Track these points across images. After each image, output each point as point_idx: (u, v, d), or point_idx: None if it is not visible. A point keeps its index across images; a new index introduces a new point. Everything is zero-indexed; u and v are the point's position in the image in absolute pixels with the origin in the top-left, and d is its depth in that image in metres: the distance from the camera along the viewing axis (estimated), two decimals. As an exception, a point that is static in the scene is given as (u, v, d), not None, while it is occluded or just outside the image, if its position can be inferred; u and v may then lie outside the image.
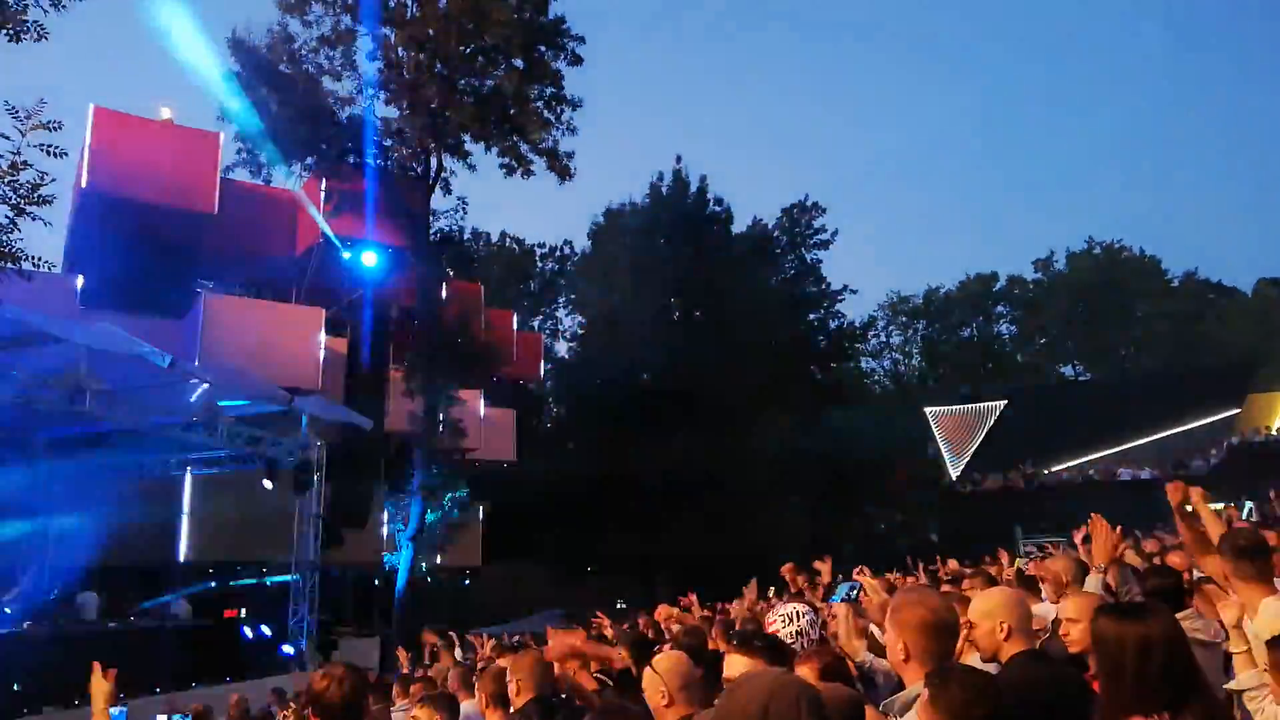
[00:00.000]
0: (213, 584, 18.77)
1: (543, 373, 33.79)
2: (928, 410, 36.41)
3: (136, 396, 14.31)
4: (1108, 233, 64.11)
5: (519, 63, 22.97)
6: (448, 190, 23.35)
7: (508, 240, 48.63)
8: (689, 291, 38.19)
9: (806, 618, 4.00)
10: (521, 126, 23.26)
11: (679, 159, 41.91)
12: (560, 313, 48.70)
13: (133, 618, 15.58)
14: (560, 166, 23.96)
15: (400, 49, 21.97)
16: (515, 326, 29.29)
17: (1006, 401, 35.21)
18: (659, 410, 33.38)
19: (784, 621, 3.95)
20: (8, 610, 14.30)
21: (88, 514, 17.67)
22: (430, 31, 21.62)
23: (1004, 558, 9.29)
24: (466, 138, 22.94)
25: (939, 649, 2.60)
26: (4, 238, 6.45)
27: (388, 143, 22.64)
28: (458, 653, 8.23)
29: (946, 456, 34.86)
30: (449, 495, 21.94)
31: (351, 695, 3.26)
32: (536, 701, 3.99)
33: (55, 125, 6.91)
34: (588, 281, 43.45)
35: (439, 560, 23.53)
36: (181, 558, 18.28)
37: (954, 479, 33.97)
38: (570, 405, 41.53)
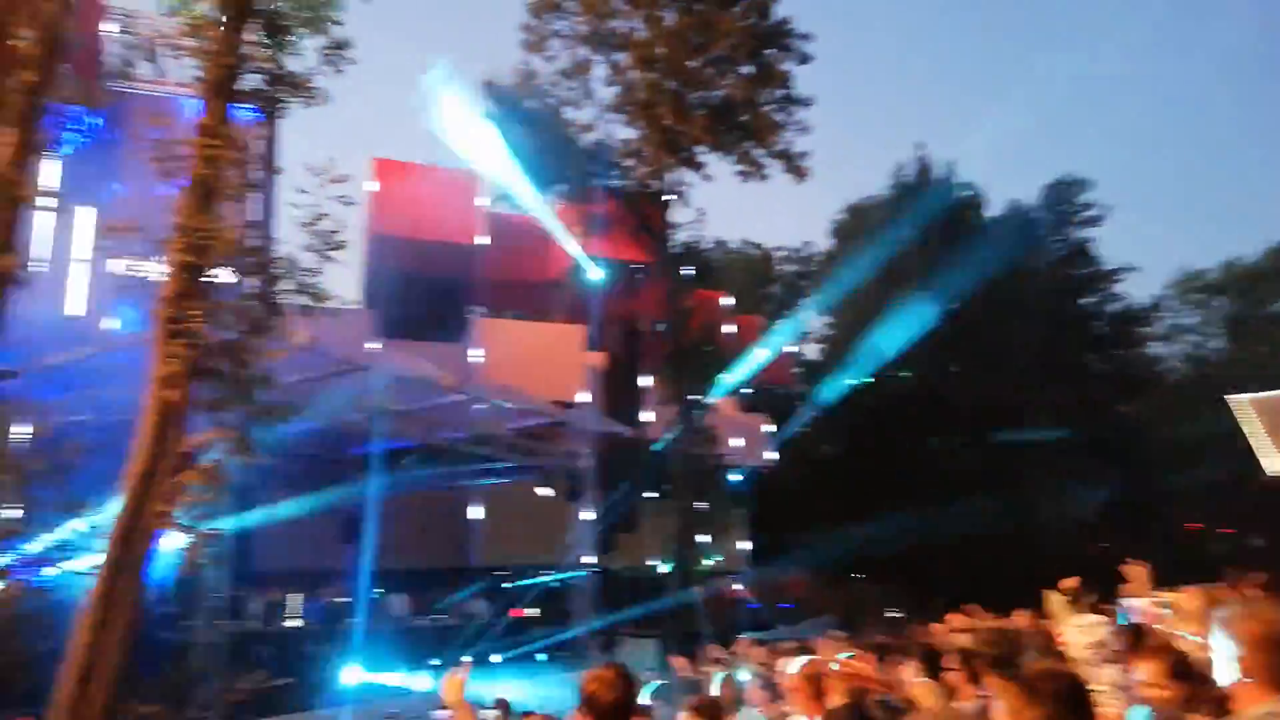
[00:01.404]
0: (502, 584, 20.34)
1: (794, 376, 33.54)
2: (1236, 398, 32.01)
3: (428, 416, 15.91)
4: None
5: (747, 69, 23.13)
6: (687, 203, 23.95)
7: (748, 247, 48.84)
8: (943, 283, 36.35)
9: (1106, 628, 3.73)
10: (754, 131, 23.36)
11: (920, 146, 40.12)
12: (807, 315, 48.04)
13: (434, 617, 17.22)
14: (795, 167, 23.79)
15: (632, 72, 22.85)
16: (762, 332, 29.33)
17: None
18: (918, 408, 31.99)
19: (1082, 632, 3.70)
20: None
21: (393, 523, 19.86)
22: (660, 51, 22.31)
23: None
24: (701, 149, 23.40)
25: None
26: (313, 281, 7.32)
27: (627, 163, 23.59)
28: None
29: (1261, 449, 30.39)
30: (709, 501, 22.39)
31: (622, 697, 3.33)
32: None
33: (345, 178, 7.79)
34: (834, 282, 42.63)
35: (704, 565, 24.00)
36: (473, 561, 19.96)
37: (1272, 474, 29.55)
38: (824, 408, 40.85)
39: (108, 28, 10.49)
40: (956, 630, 7.10)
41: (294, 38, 6.84)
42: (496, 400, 16.19)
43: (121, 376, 11.37)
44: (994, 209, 38.52)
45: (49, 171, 6.82)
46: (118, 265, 6.36)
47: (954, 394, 31.93)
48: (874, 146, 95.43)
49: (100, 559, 6.15)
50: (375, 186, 20.22)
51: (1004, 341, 32.79)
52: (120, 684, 6.27)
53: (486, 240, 20.93)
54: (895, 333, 34.73)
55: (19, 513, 6.65)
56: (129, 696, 8.36)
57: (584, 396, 20.56)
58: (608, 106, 23.08)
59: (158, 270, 6.45)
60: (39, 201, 6.22)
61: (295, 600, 14.87)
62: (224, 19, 6.50)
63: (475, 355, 19.83)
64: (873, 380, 34.29)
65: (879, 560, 32.41)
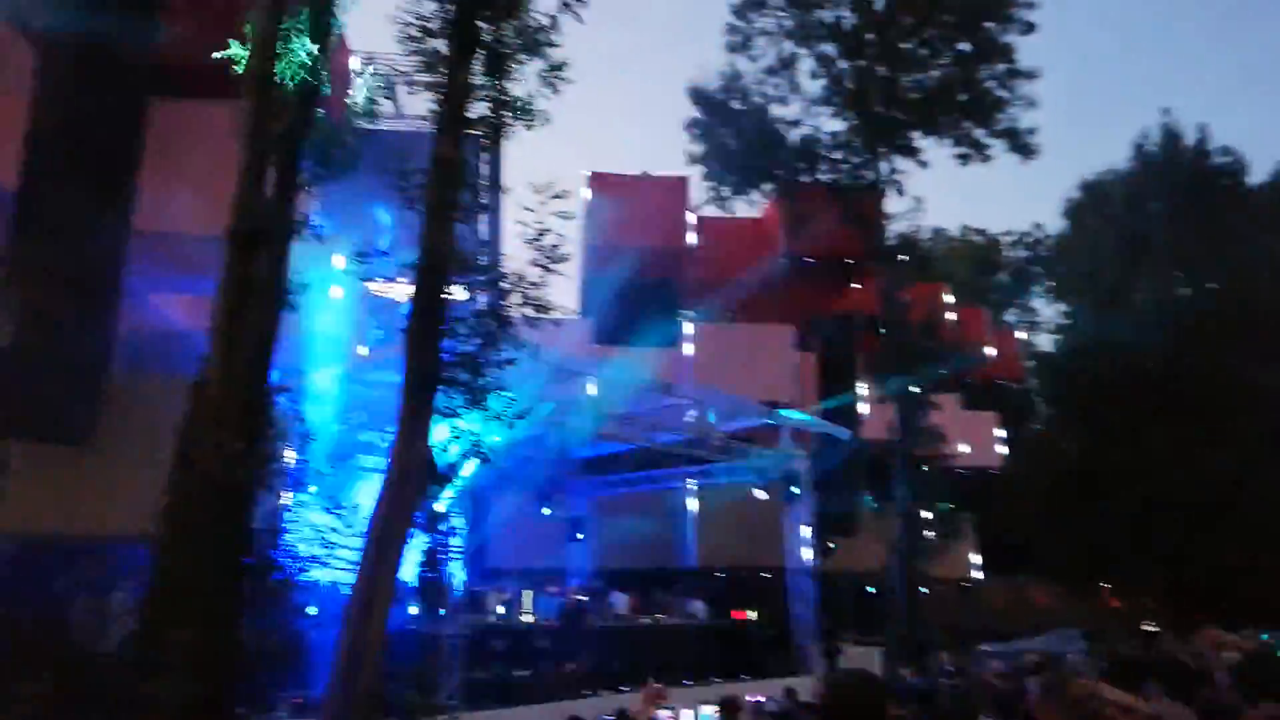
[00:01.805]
0: (722, 586, 20.40)
1: (1025, 370, 31.36)
2: None
3: (645, 419, 16.25)
4: None
5: (964, 46, 21.90)
6: (901, 192, 22.99)
7: (969, 234, 46.20)
8: (1196, 261, 32.69)
9: None
10: (975, 111, 22.08)
11: (1167, 112, 36.32)
12: (1038, 303, 44.83)
13: (657, 616, 17.49)
14: (1022, 145, 22.27)
15: (841, 62, 22.25)
16: (987, 324, 27.64)
17: None
18: (1170, 402, 28.89)
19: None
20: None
21: (613, 524, 20.49)
22: (869, 37, 21.58)
23: None
24: (915, 135, 22.40)
25: None
26: (538, 293, 7.62)
27: (837, 155, 22.99)
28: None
29: None
30: (934, 504, 21.35)
31: (869, 703, 3.16)
32: None
33: (564, 193, 8.07)
34: (1069, 265, 39.46)
35: (931, 571, 22.93)
36: (690, 563, 20.13)
37: None
38: (1061, 403, 37.84)
39: (353, 69, 11.57)
40: (1218, 647, 6.33)
41: (515, 64, 7.18)
42: (707, 402, 16.24)
43: (373, 390, 12.44)
44: (1258, 175, 34.18)
45: (307, 205, 7.53)
46: (369, 288, 6.90)
47: (1215, 383, 28.53)
48: (1109, 117, 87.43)
49: (358, 556, 6.68)
50: (590, 198, 20.95)
51: (1272, 322, 28.96)
52: (380, 671, 6.80)
53: (696, 243, 21.11)
54: (1145, 317, 31.63)
55: (288, 511, 7.37)
56: (387, 682, 9.12)
57: (797, 397, 20.23)
58: (815, 100, 22.62)
59: (403, 291, 6.97)
60: (301, 233, 6.88)
61: (528, 597, 15.62)
62: (453, 53, 6.93)
63: (687, 358, 20.05)
64: (1117, 373, 31.37)
65: (1132, 568, 29.61)
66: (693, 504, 20.58)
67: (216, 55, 6.71)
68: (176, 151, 9.93)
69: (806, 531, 18.04)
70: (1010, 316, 42.44)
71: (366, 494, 6.78)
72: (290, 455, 7.41)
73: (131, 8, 9.00)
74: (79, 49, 8.76)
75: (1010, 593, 28.04)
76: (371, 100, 7.66)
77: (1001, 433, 26.11)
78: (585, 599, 16.72)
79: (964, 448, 23.12)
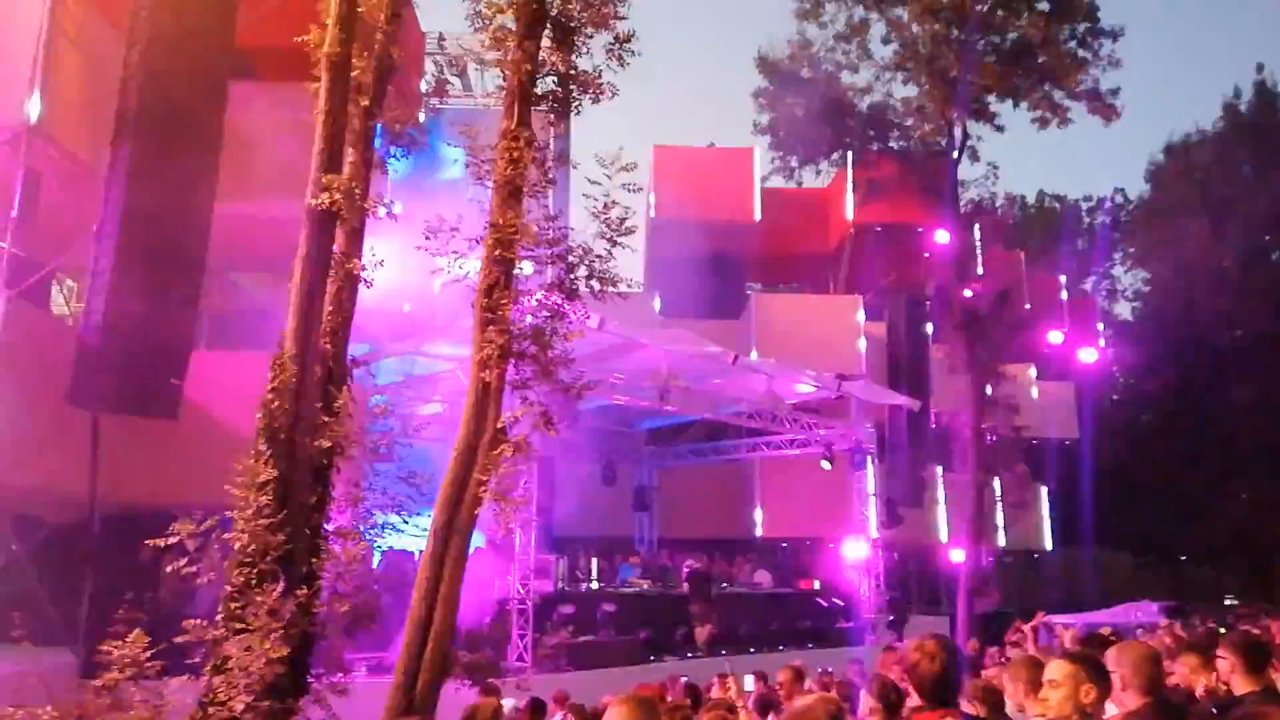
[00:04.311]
0: (787, 556, 20.44)
1: (1102, 339, 30.40)
2: None
3: (710, 391, 16.28)
4: None
5: (1044, 5, 21.07)
6: (975, 158, 22.36)
7: (1046, 200, 44.72)
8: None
9: None
10: (1053, 72, 21.28)
11: (1260, 68, 34.49)
12: (1118, 270, 43.27)
13: (725, 584, 17.63)
14: (1104, 107, 21.41)
15: (914, 25, 21.62)
16: (1064, 292, 26.85)
17: None
18: (1259, 371, 27.74)
19: None
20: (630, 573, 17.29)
21: (679, 495, 20.63)
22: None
23: None
24: (991, 99, 21.71)
25: None
26: (605, 267, 7.66)
27: (908, 122, 22.45)
28: (1030, 647, 7.84)
29: None
30: (1004, 476, 20.94)
31: (946, 669, 3.23)
32: (1155, 706, 3.21)
33: (631, 166, 8.03)
34: (1150, 231, 37.96)
35: (1001, 543, 22.58)
36: (758, 533, 20.20)
37: None
38: (1142, 372, 36.62)
39: (425, 49, 11.74)
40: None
41: (582, 38, 7.18)
42: (774, 373, 16.19)
43: (445, 363, 12.71)
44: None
45: (381, 183, 7.70)
46: (441, 263, 7.05)
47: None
48: (1199, 75, 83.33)
49: (431, 523, 6.89)
50: (655, 172, 20.90)
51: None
52: (453, 634, 7.02)
53: (762, 216, 20.93)
54: (1230, 283, 30.34)
55: (365, 482, 7.62)
56: (459, 646, 9.41)
57: (864, 368, 20.00)
58: (887, 65, 22.07)
59: (474, 266, 7.09)
60: (376, 210, 7.05)
61: (593, 565, 15.92)
62: (520, 29, 6.97)
63: (754, 330, 19.96)
64: (1201, 340, 30.23)
65: (1213, 540, 28.68)
66: (759, 475, 20.62)
67: (298, 39, 6.87)
68: (255, 132, 10.23)
69: (874, 503, 17.93)
70: (1088, 284, 41.12)
71: (440, 464, 6.97)
72: (367, 426, 7.65)
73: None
74: (165, 34, 9.05)
75: (1082, 564, 27.43)
76: (443, 79, 7.76)
77: (1076, 398, 25.46)
78: (643, 565, 16.99)
79: (1039, 418, 22.62)
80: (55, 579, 10.21)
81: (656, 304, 20.63)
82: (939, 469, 21.96)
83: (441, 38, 13.55)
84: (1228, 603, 26.89)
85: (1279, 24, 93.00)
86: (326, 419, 6.68)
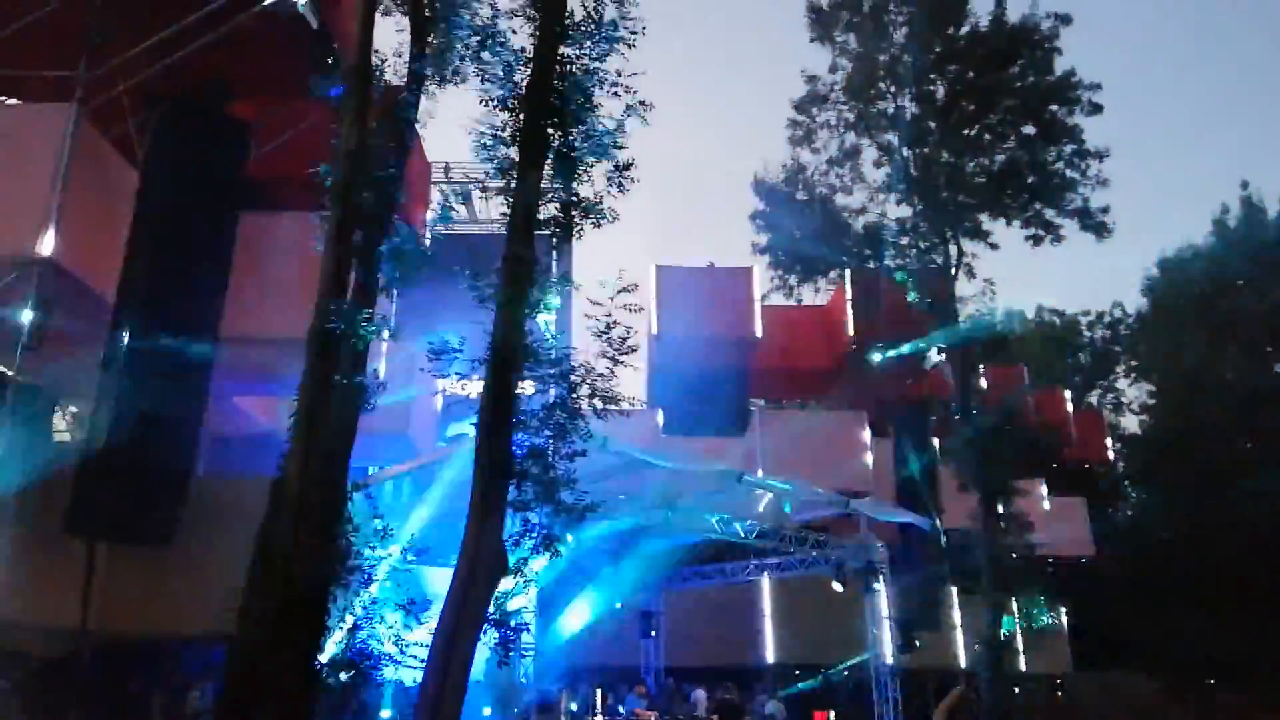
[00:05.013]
0: (799, 685, 19.63)
1: (1110, 452, 30.16)
2: None
3: (715, 510, 16.01)
4: None
5: (1030, 129, 21.83)
6: (971, 274, 22.67)
7: (1045, 314, 45.21)
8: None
9: None
10: (1043, 192, 21.84)
11: (1245, 185, 35.50)
12: (1122, 383, 43.29)
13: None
14: (1095, 224, 21.85)
15: (904, 150, 22.35)
16: (1069, 405, 26.80)
17: None
18: (1268, 483, 27.29)
19: None
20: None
21: (686, 620, 20.01)
22: (932, 125, 21.69)
23: None
24: (983, 218, 22.20)
25: None
26: (607, 385, 7.66)
27: (904, 241, 22.89)
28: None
29: None
30: (1023, 596, 20.29)
31: None
32: None
33: (633, 287, 8.15)
34: (1151, 344, 38.19)
35: (1023, 668, 21.70)
36: (769, 659, 19.47)
37: None
38: (1152, 485, 36.11)
39: (430, 177, 12.16)
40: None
41: (584, 166, 7.42)
42: (780, 491, 15.96)
43: (448, 481, 12.57)
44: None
45: (385, 306, 7.80)
46: (444, 384, 7.05)
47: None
48: (1183, 193, 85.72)
49: (425, 652, 6.64)
50: (657, 290, 21.23)
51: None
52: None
53: (763, 332, 21.14)
54: (1235, 393, 30.26)
55: (363, 608, 7.39)
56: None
57: (872, 485, 19.76)
58: (879, 188, 22.68)
59: (476, 387, 7.09)
60: (380, 333, 7.12)
61: (599, 696, 15.32)
62: (524, 160, 7.21)
63: (758, 447, 19.81)
64: (1210, 452, 29.90)
65: (1244, 664, 27.53)
66: (768, 596, 20.06)
67: (312, 170, 7.10)
68: (262, 260, 10.44)
69: (888, 626, 17.35)
70: (1093, 398, 41.08)
71: (439, 590, 6.78)
72: (366, 552, 7.49)
73: (225, 130, 9.64)
74: (177, 169, 9.37)
75: (1107, 689, 26.27)
76: (448, 206, 7.98)
77: (1089, 514, 25.01)
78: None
79: (1053, 535, 22.14)
80: (43, 713, 9.82)
81: (660, 420, 20.57)
82: (954, 590, 21.36)
83: (448, 167, 14.19)
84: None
85: (1263, 144, 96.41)
86: (325, 544, 6.55)
